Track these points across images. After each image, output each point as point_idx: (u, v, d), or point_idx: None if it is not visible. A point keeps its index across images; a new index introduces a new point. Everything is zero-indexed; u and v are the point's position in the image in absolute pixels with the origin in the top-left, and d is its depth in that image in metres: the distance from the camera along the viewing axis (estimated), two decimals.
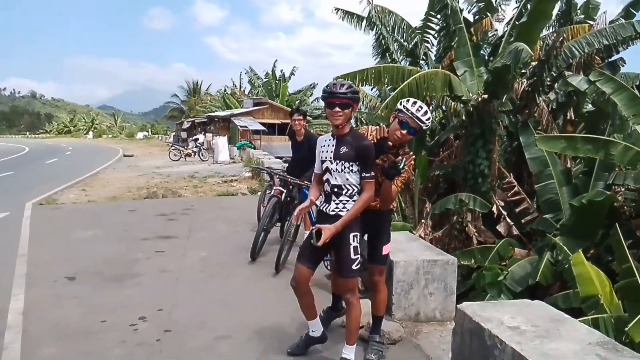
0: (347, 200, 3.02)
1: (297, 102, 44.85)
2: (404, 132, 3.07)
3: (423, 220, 10.62)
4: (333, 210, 3.02)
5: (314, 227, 2.98)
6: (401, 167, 2.94)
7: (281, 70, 48.13)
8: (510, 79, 10.56)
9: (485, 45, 13.24)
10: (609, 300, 6.33)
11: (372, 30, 13.16)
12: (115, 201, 11.41)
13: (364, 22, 13.23)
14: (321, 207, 3.13)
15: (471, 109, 11.14)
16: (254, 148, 27.45)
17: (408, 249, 4.43)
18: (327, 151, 3.05)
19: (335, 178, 3.00)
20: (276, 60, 47.75)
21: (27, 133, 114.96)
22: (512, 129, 11.90)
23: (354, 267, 3.01)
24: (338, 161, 2.98)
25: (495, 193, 10.96)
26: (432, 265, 4.11)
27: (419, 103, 3.09)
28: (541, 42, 12.08)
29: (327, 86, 2.95)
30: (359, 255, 3.03)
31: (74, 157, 29.50)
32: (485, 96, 10.75)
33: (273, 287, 4.86)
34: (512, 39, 11.27)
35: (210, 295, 4.68)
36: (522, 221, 10.50)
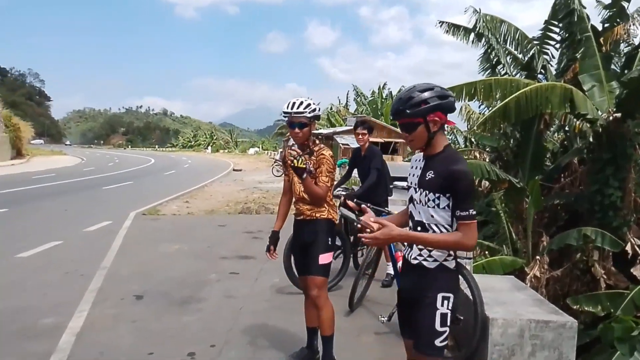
0: None
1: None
2: (292, 130, 3.17)
3: (538, 257, 9.19)
4: (415, 258, 2.17)
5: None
6: (299, 163, 2.91)
7: (389, 89, 47.64)
8: None
9: (616, 58, 11.40)
10: None
11: (480, 41, 11.93)
12: (211, 215, 11.56)
13: (472, 34, 12.07)
14: (405, 253, 2.28)
15: (600, 129, 9.52)
16: None
17: (511, 301, 3.51)
18: (413, 174, 2.22)
19: (419, 212, 2.15)
20: (385, 82, 47.55)
21: (157, 146, 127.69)
22: None
23: (437, 343, 2.11)
24: (422, 190, 2.13)
25: (630, 229, 9.15)
26: (542, 327, 3.16)
27: (292, 100, 3.17)
28: None
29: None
30: (447, 328, 2.13)
31: (190, 170, 31.46)
32: (618, 115, 9.10)
33: (343, 327, 4.12)
34: None
35: (270, 332, 4.12)
36: None
